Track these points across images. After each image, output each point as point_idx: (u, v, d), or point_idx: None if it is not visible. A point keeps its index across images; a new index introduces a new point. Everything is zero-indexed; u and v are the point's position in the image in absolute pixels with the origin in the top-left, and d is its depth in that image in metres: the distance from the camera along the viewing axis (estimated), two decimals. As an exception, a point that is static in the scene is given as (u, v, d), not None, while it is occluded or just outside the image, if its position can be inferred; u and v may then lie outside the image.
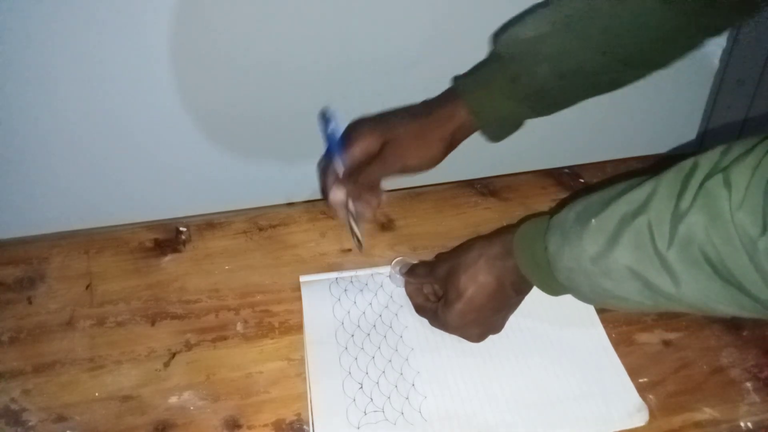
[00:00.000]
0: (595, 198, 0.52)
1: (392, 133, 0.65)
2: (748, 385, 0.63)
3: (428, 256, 0.73)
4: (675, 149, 0.93)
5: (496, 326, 0.63)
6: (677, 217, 0.43)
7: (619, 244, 0.47)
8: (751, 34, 0.83)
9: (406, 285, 0.68)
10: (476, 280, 0.59)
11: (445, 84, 0.73)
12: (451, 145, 0.66)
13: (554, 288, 0.56)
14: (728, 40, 0.85)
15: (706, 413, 0.60)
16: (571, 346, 0.65)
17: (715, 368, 0.64)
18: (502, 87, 0.63)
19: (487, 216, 0.79)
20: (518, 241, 0.58)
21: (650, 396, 0.61)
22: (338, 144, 0.65)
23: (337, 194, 0.65)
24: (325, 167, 0.67)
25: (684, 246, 0.43)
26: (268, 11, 0.67)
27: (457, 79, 0.67)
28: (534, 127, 0.68)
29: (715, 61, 0.87)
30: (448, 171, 0.70)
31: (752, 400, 0.61)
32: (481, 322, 0.62)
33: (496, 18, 0.71)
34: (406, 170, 0.66)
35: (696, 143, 0.94)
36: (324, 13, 0.69)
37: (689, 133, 0.94)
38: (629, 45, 0.60)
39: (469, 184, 0.83)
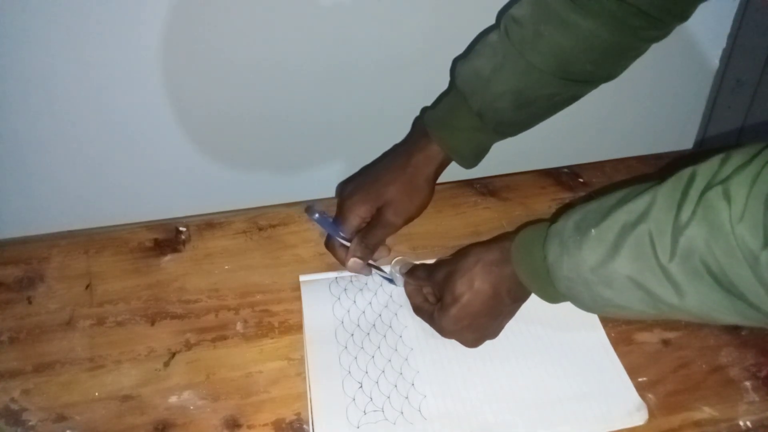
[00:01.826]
0: (594, 207, 0.52)
1: (383, 199, 0.68)
2: (747, 384, 0.63)
3: (428, 255, 0.73)
4: (674, 149, 0.93)
5: (491, 332, 0.63)
6: (678, 229, 0.43)
7: (619, 254, 0.47)
8: (751, 34, 0.83)
9: (406, 285, 0.68)
10: (472, 286, 0.59)
11: (443, 84, 0.74)
12: (435, 180, 0.70)
13: (553, 296, 0.56)
14: (728, 40, 0.85)
15: (705, 412, 0.60)
16: (570, 346, 0.65)
17: (715, 367, 0.64)
18: (470, 123, 0.66)
19: (486, 216, 0.79)
20: (516, 249, 0.58)
21: (649, 395, 0.61)
22: (334, 227, 0.70)
23: (356, 264, 0.68)
24: (332, 245, 0.71)
25: (685, 258, 0.43)
26: (267, 12, 0.67)
27: (425, 115, 0.69)
28: (533, 128, 0.68)
29: (715, 62, 0.87)
30: (447, 171, 0.70)
31: (751, 399, 0.61)
32: (476, 327, 0.62)
33: (494, 18, 0.71)
34: (407, 222, 0.70)
35: (695, 143, 0.94)
36: (323, 14, 0.69)
37: (689, 133, 0.94)
38: (581, 65, 0.61)
39: (469, 184, 0.83)
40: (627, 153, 0.89)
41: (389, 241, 0.74)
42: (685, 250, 0.43)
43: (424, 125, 0.68)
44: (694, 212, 0.42)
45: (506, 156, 0.74)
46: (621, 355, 0.64)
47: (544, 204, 0.81)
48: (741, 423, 0.60)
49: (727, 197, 0.40)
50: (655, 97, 0.88)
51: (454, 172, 0.71)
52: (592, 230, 0.50)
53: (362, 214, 0.69)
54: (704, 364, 0.64)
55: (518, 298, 0.61)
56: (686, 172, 0.45)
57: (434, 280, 0.64)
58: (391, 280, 0.70)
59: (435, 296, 0.65)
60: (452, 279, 0.61)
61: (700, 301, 0.44)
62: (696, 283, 0.43)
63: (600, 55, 0.61)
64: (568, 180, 0.85)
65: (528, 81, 0.62)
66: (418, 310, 0.67)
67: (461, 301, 0.60)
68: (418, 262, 0.69)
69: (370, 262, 0.70)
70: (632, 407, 0.60)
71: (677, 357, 0.65)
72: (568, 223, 0.53)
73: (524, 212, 0.79)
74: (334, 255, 0.71)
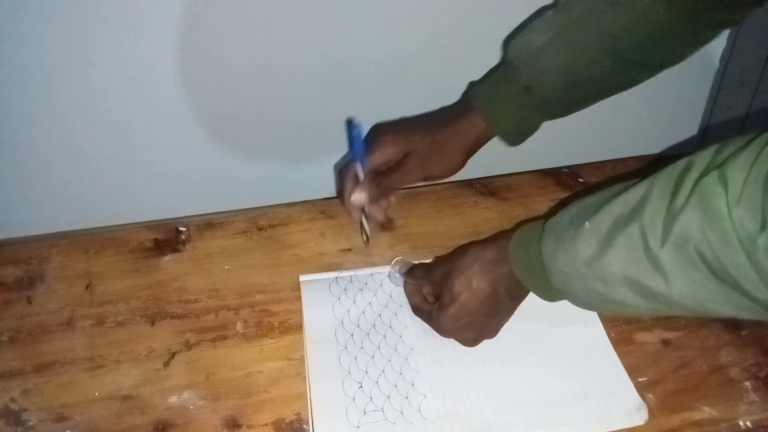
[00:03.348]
0: (590, 201, 0.52)
1: (414, 145, 0.66)
2: (747, 384, 0.63)
3: (428, 255, 0.73)
4: (675, 149, 0.93)
5: (489, 331, 0.63)
6: (671, 217, 0.43)
7: (612, 247, 0.47)
8: (751, 34, 0.83)
9: (405, 285, 0.68)
10: (470, 285, 0.59)
11: (444, 84, 0.74)
12: (471, 152, 0.68)
13: (550, 293, 0.56)
14: (728, 40, 0.85)
15: (705, 412, 0.60)
16: (570, 346, 0.65)
17: (715, 367, 0.64)
18: (516, 97, 0.64)
19: (486, 216, 0.79)
20: (514, 246, 0.58)
21: (649, 395, 0.61)
22: (361, 151, 0.67)
23: (358, 198, 0.67)
24: (344, 170, 0.69)
25: (679, 246, 0.43)
26: (268, 11, 0.67)
27: (472, 87, 0.68)
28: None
29: (715, 61, 0.87)
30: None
31: (751, 399, 0.61)
32: (474, 326, 0.62)
33: (495, 18, 0.71)
34: (427, 179, 0.68)
35: (696, 143, 0.94)
36: (324, 14, 0.69)
37: (689, 133, 0.94)
38: (635, 46, 0.60)
39: (469, 184, 0.83)
40: (627, 153, 0.89)
41: (388, 241, 0.74)
42: (679, 237, 0.42)
43: (468, 99, 0.67)
44: (688, 200, 0.42)
45: (506, 156, 0.74)
46: (621, 355, 0.64)
47: (544, 204, 0.81)
48: (741, 423, 0.60)
49: (724, 182, 0.40)
50: (656, 97, 0.88)
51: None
52: (586, 223, 0.49)
53: (389, 154, 0.67)
54: (704, 364, 0.64)
55: (516, 296, 0.61)
56: (681, 162, 0.45)
57: (432, 279, 0.64)
58: (368, 240, 0.70)
59: (434, 296, 0.65)
60: (450, 278, 0.61)
61: (693, 291, 0.44)
62: (689, 271, 0.43)
63: (654, 36, 0.59)
64: (568, 180, 0.85)
65: (578, 58, 0.61)
66: (416, 309, 0.67)
67: (459, 299, 0.60)
68: (417, 262, 0.69)
69: (364, 216, 0.69)
70: (632, 407, 0.60)
71: (677, 357, 0.65)
72: (563, 217, 0.53)
73: (524, 212, 0.79)
74: (341, 183, 0.69)
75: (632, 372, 0.63)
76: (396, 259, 0.71)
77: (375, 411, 0.59)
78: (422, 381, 0.62)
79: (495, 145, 0.69)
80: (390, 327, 0.66)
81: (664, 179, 0.45)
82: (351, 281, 0.71)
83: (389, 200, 0.71)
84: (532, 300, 0.60)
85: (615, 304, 0.51)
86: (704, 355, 0.65)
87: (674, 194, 0.43)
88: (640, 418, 0.60)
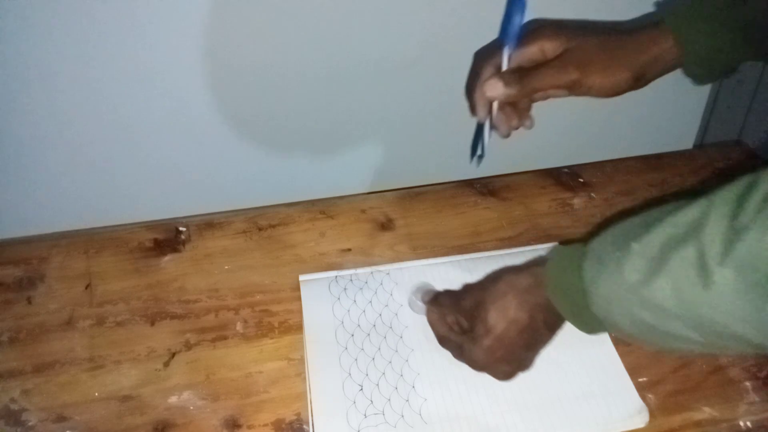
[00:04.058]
0: (636, 220, 0.47)
1: (579, 40, 0.55)
2: (748, 384, 0.63)
3: (428, 255, 0.73)
4: (674, 149, 0.93)
5: (525, 363, 0.59)
6: (732, 237, 0.37)
7: (663, 270, 0.41)
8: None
9: (428, 313, 0.64)
10: (507, 316, 0.55)
11: (450, 82, 0.73)
12: (642, 77, 0.56)
13: (589, 323, 0.51)
14: (728, 39, 0.85)
15: (706, 412, 0.60)
16: (571, 346, 0.65)
17: (715, 367, 0.64)
18: (718, 12, 0.53)
19: (486, 216, 0.79)
20: (550, 271, 0.53)
21: (650, 395, 0.61)
22: (516, 33, 0.55)
23: (494, 88, 0.55)
24: (485, 55, 0.57)
25: (741, 267, 0.37)
26: (267, 11, 0.67)
27: (659, 4, 0.59)
28: (534, 127, 0.68)
29: (715, 61, 0.87)
30: (447, 171, 0.70)
31: (751, 399, 0.61)
32: (511, 359, 0.58)
33: (496, 17, 0.71)
34: (580, 88, 0.56)
35: (695, 143, 0.94)
36: (323, 14, 0.68)
37: (689, 132, 0.94)
38: None
39: (469, 184, 0.83)
40: (627, 153, 0.89)
41: (388, 241, 0.74)
42: (744, 259, 0.37)
43: (659, 12, 0.58)
44: (755, 217, 0.36)
45: (506, 156, 0.74)
46: (621, 355, 0.64)
47: (544, 204, 0.81)
48: (741, 423, 0.60)
49: None
50: (655, 97, 0.88)
51: (454, 172, 0.71)
52: (633, 244, 0.44)
53: (545, 48, 0.56)
54: (704, 364, 0.64)
55: (555, 326, 0.56)
56: (742, 180, 0.39)
57: (462, 309, 0.60)
58: (482, 153, 0.58)
59: (460, 325, 0.60)
60: (484, 309, 0.56)
61: (762, 324, 0.37)
62: (755, 300, 0.37)
63: None
64: (568, 180, 0.85)
65: None
66: (444, 341, 0.61)
67: (495, 332, 0.56)
68: (441, 290, 0.66)
69: (489, 119, 0.57)
70: (633, 409, 0.60)
71: (677, 357, 0.65)
72: (606, 238, 0.48)
73: (524, 212, 0.79)
74: (477, 69, 0.58)
75: (632, 372, 0.63)
76: (417, 285, 0.68)
77: (376, 414, 0.59)
78: (423, 383, 0.62)
79: (495, 145, 0.69)
80: (390, 327, 0.66)
81: (723, 198, 0.39)
82: (351, 280, 0.71)
83: (522, 121, 0.58)
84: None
85: (664, 337, 0.44)
86: (704, 355, 0.65)
87: (736, 213, 0.38)
88: (641, 420, 0.60)
